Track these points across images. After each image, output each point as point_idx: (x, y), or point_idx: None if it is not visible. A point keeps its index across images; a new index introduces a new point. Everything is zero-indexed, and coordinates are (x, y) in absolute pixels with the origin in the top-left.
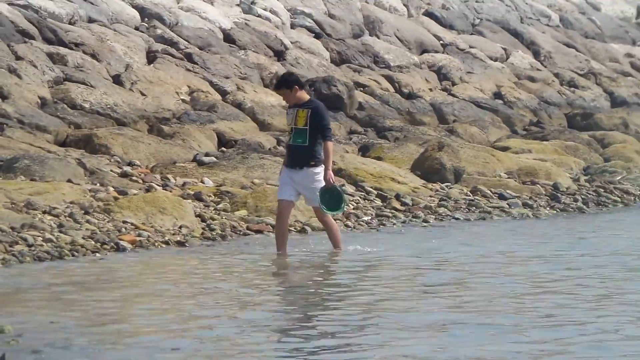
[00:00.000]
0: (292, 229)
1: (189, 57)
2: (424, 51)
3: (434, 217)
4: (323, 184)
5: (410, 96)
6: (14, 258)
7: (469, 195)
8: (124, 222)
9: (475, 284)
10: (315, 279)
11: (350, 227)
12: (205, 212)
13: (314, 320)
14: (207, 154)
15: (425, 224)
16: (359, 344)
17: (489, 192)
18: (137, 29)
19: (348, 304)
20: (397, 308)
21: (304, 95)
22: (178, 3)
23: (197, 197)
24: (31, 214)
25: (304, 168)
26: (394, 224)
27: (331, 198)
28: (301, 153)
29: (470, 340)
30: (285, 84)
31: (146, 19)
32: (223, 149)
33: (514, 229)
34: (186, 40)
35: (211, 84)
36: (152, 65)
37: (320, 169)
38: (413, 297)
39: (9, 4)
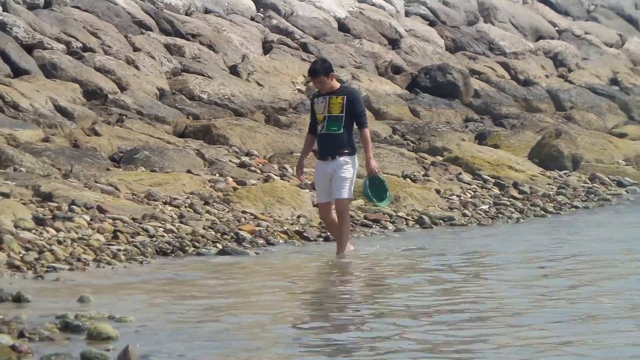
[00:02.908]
0: (409, 218)
1: (304, 47)
2: (539, 37)
3: (552, 205)
4: (352, 173)
5: (526, 83)
6: (136, 249)
7: (587, 183)
8: (244, 212)
9: None
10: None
11: (468, 216)
12: None
13: None
14: None
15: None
16: None
17: (607, 179)
18: (252, 19)
19: None
20: None
21: (336, 82)
22: None
23: (314, 186)
24: (152, 204)
25: (336, 157)
26: (512, 212)
27: (374, 187)
28: (335, 141)
29: None
30: (323, 71)
31: (262, 9)
32: None
33: None
34: (301, 30)
35: None
36: (268, 55)
37: (352, 158)
38: None
39: None
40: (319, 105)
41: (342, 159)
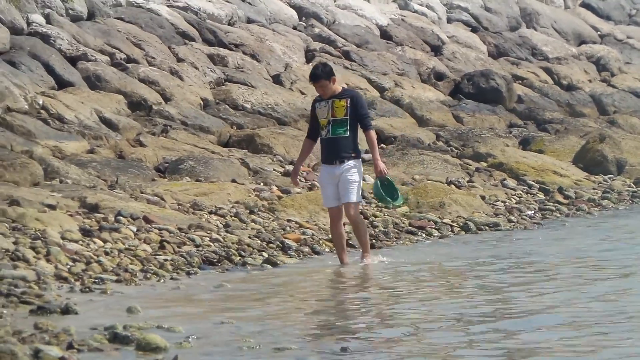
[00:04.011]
0: (454, 224)
1: (346, 55)
2: (582, 42)
3: (597, 209)
4: (359, 176)
5: (569, 88)
6: (182, 259)
7: (632, 187)
8: (288, 220)
9: None
10: None
11: (513, 221)
12: (367, 209)
13: None
14: (366, 151)
15: None
16: None
17: None
18: (295, 28)
19: None
20: None
21: (338, 86)
22: (335, 1)
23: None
24: (197, 214)
25: (344, 161)
26: (558, 217)
27: (385, 188)
28: (342, 145)
29: None
30: (325, 75)
31: (304, 18)
32: (383, 145)
33: None
34: (343, 38)
35: (369, 81)
36: (310, 64)
37: (358, 162)
38: None
39: (168, 6)
40: (321, 110)
41: (348, 162)
